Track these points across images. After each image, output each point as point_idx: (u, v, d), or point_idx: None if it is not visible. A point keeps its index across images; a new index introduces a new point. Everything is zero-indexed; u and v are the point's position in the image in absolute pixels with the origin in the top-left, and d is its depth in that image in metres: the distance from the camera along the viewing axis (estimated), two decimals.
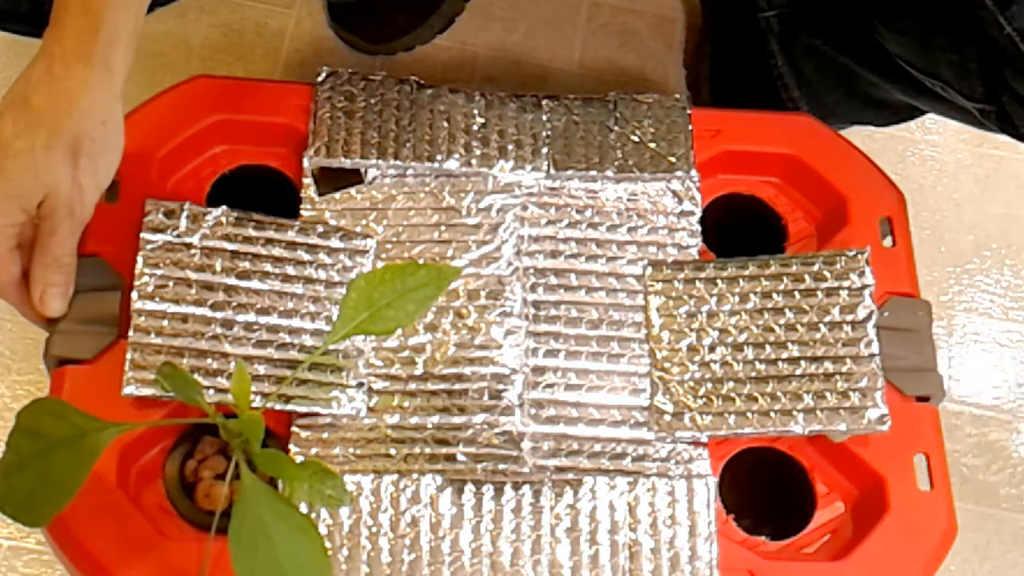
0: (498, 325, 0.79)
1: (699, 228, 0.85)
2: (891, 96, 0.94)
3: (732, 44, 1.06)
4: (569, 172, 0.84)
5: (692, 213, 0.85)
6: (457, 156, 0.83)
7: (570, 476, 0.76)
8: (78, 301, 0.76)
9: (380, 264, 0.81)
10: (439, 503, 0.74)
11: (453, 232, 0.82)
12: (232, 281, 0.77)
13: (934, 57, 0.79)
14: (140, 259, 0.77)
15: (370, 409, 0.77)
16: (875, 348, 0.79)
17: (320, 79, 0.85)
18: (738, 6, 1.03)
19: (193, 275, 0.77)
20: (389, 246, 0.82)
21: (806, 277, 0.81)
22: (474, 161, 0.83)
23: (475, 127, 0.85)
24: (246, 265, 0.78)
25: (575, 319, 0.81)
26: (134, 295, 0.76)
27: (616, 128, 0.86)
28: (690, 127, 0.87)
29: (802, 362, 0.79)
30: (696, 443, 0.78)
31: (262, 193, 0.83)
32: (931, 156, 1.12)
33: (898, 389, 0.80)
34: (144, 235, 0.77)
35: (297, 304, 0.78)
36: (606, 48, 1.11)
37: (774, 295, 0.81)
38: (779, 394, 0.78)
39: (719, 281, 0.82)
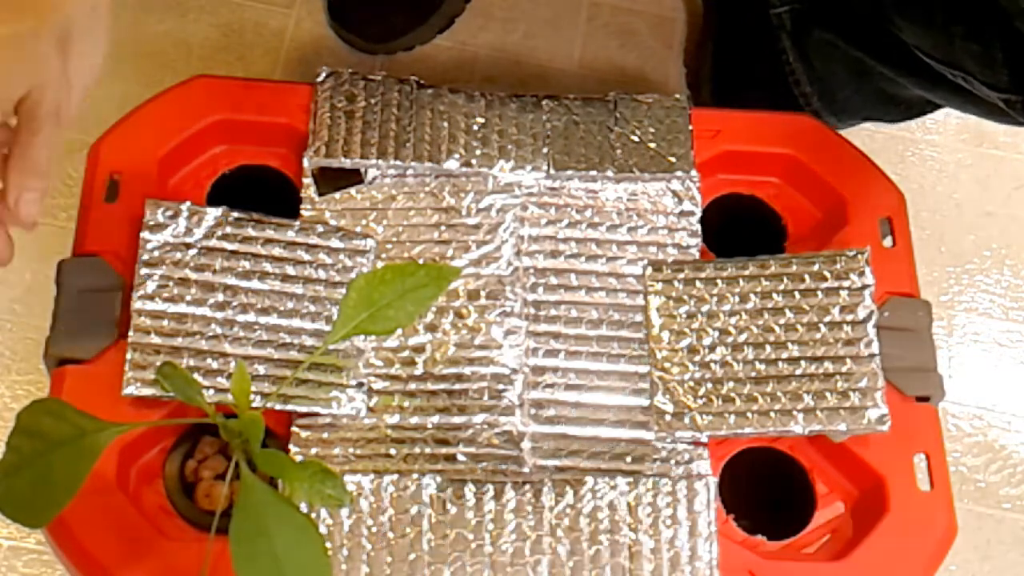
0: (498, 325, 0.79)
1: (699, 228, 0.85)
2: (905, 91, 0.94)
3: (738, 43, 1.06)
4: (569, 172, 0.84)
5: (692, 213, 0.85)
6: (457, 156, 0.83)
7: (570, 476, 0.76)
8: (78, 301, 0.76)
9: (380, 264, 0.81)
10: (439, 503, 0.74)
11: (453, 232, 0.82)
12: (232, 281, 0.78)
13: (955, 47, 0.78)
14: (140, 259, 0.77)
15: (370, 409, 0.77)
16: (875, 348, 0.79)
17: (320, 79, 0.85)
18: (747, 4, 1.03)
19: (193, 275, 0.77)
20: (389, 246, 0.82)
21: (806, 277, 0.81)
22: (474, 161, 0.83)
23: (475, 127, 0.85)
24: (246, 265, 0.78)
25: (575, 319, 0.81)
26: (134, 295, 0.76)
27: (616, 128, 0.86)
28: (690, 127, 0.87)
29: (802, 362, 0.79)
30: (696, 443, 0.78)
31: (262, 193, 0.83)
32: (931, 156, 1.12)
33: (898, 389, 0.80)
34: (144, 235, 0.77)
35: (297, 304, 0.78)
36: (606, 48, 1.11)
37: (774, 295, 0.81)
38: (779, 394, 0.78)
39: (719, 281, 0.82)
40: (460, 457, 0.76)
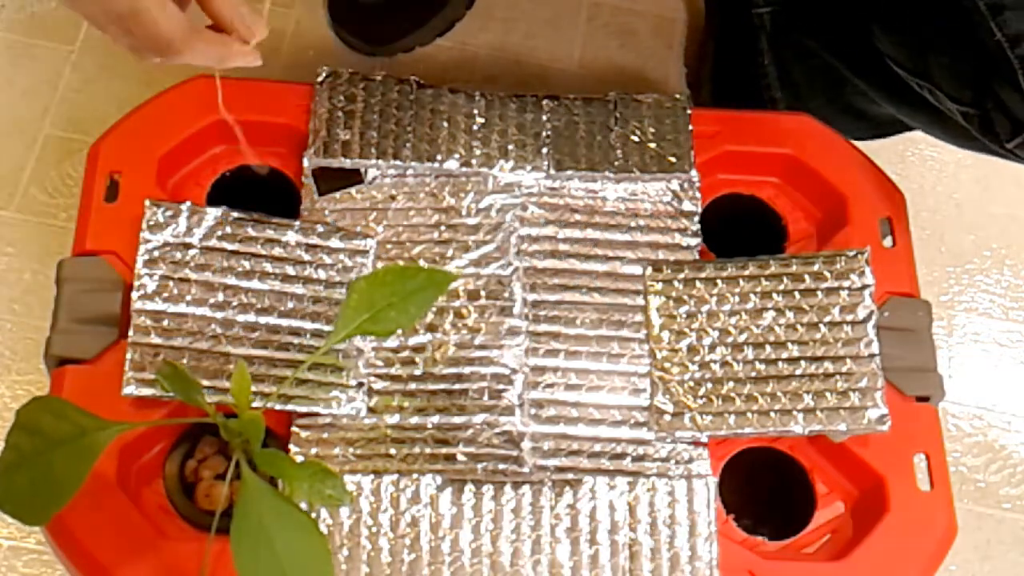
0: (498, 325, 0.79)
1: (699, 228, 0.85)
2: (874, 107, 0.94)
3: (731, 43, 1.06)
4: (569, 172, 0.84)
5: (692, 213, 0.85)
6: (457, 156, 0.83)
7: (570, 476, 0.76)
8: (78, 301, 0.76)
9: (380, 264, 0.81)
10: (439, 503, 0.74)
11: (453, 232, 0.82)
12: (232, 281, 0.78)
13: (927, 58, 0.79)
14: (140, 259, 0.77)
15: (370, 409, 0.77)
16: (875, 348, 0.79)
17: (320, 79, 0.86)
18: (739, 4, 1.03)
19: (193, 275, 0.77)
20: (389, 246, 0.82)
21: (806, 277, 0.81)
22: (474, 161, 0.83)
23: (475, 127, 0.85)
24: (246, 265, 0.78)
25: (575, 319, 0.81)
26: (134, 295, 0.76)
27: (616, 128, 0.86)
28: (690, 127, 0.87)
29: (802, 362, 0.79)
30: (696, 443, 0.78)
31: (262, 193, 0.83)
32: (931, 156, 1.12)
33: (898, 389, 0.80)
34: (144, 235, 0.77)
35: (297, 304, 0.78)
36: (606, 48, 1.11)
37: (774, 295, 0.81)
38: (779, 394, 0.78)
39: (719, 281, 0.82)
40: (460, 457, 0.76)
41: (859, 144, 0.90)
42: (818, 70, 0.96)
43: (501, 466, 0.76)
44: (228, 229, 0.79)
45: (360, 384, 0.77)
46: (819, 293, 0.81)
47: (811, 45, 0.95)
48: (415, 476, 0.75)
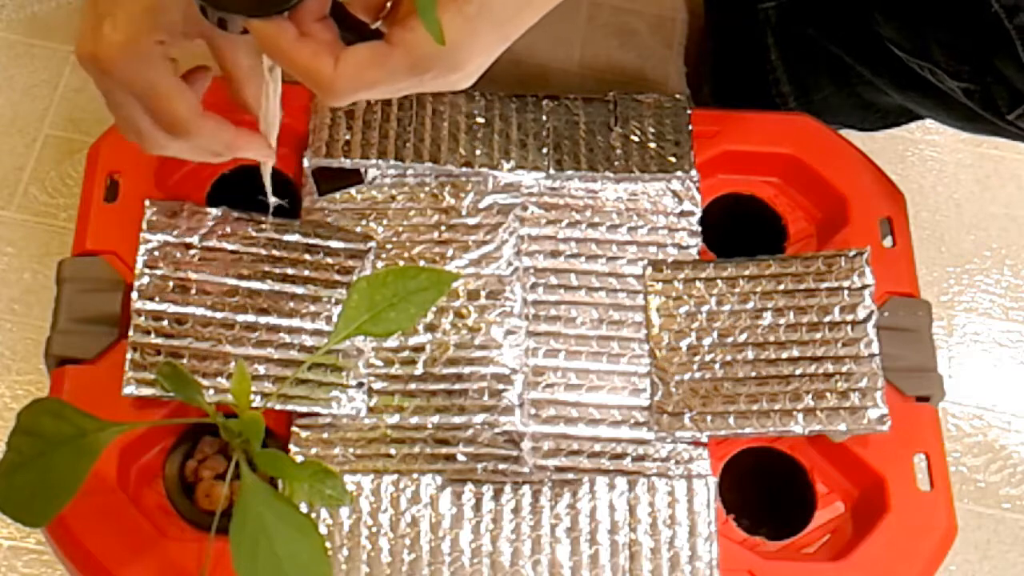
0: (498, 325, 0.79)
1: (699, 228, 0.85)
2: (880, 97, 0.94)
3: (733, 40, 1.06)
4: (569, 172, 0.84)
5: (692, 213, 0.85)
6: (457, 156, 0.83)
7: (570, 476, 0.76)
8: (78, 301, 0.76)
9: (380, 264, 0.81)
10: (439, 503, 0.74)
11: (453, 232, 0.82)
12: (232, 281, 0.78)
13: (927, 38, 0.79)
14: (140, 259, 0.77)
15: (370, 409, 0.77)
16: (875, 348, 0.79)
17: None
18: (741, 1, 1.03)
19: (193, 275, 0.77)
20: (389, 246, 0.82)
21: (806, 277, 0.81)
22: (474, 161, 0.83)
23: (475, 127, 0.85)
24: (246, 265, 0.78)
25: (575, 319, 0.81)
26: (134, 295, 0.76)
27: (616, 128, 0.86)
28: (690, 127, 0.87)
29: (802, 362, 0.79)
30: (696, 443, 0.78)
31: (262, 193, 0.82)
32: (931, 156, 1.12)
33: (898, 389, 0.80)
34: (144, 235, 0.77)
35: (297, 304, 0.78)
36: (606, 48, 1.11)
37: (774, 295, 0.81)
38: (779, 394, 0.78)
39: (719, 281, 0.82)
40: (460, 457, 0.76)
41: (862, 141, 0.90)
42: (824, 61, 0.96)
43: (501, 466, 0.76)
44: (228, 229, 0.79)
45: (360, 384, 0.77)
46: (819, 293, 0.81)
47: (816, 36, 0.95)
48: (415, 476, 0.75)
